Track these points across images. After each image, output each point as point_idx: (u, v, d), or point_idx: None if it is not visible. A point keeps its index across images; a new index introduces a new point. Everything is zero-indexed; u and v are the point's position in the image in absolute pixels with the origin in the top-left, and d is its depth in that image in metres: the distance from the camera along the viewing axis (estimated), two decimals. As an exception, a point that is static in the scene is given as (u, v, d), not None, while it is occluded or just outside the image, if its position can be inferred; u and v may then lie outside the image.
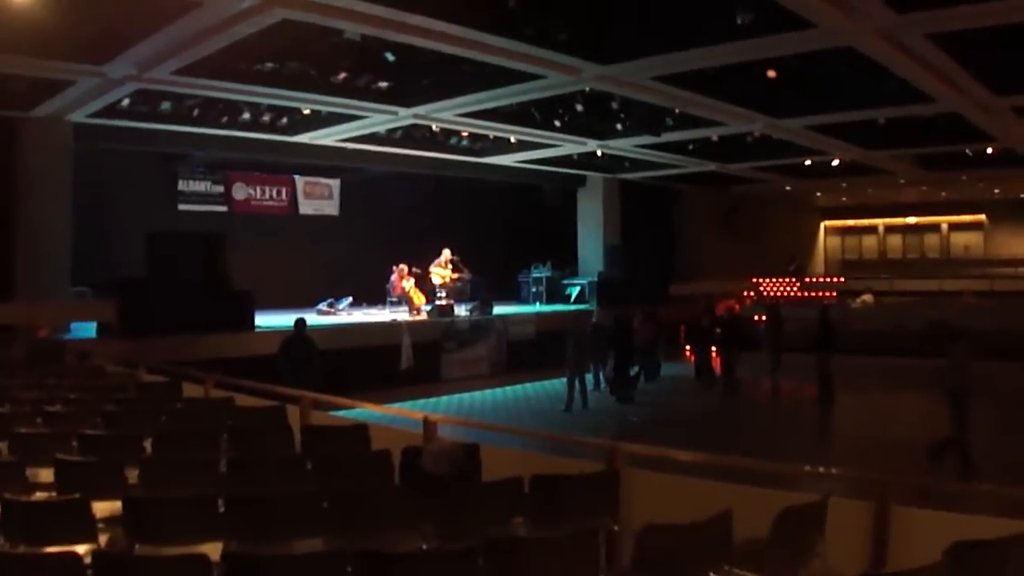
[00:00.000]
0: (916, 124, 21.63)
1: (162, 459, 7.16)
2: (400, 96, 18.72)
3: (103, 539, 5.51)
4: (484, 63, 15.76)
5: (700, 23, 14.01)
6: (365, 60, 15.96)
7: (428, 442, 7.35)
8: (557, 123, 21.80)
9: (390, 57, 15.62)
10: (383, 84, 17.56)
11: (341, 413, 10.41)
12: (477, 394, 21.12)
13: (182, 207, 25.45)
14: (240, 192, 27.13)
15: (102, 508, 5.75)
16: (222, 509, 5.49)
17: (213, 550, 4.56)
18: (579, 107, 20.25)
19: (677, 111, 20.73)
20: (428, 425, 7.72)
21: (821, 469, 6.35)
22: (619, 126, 22.40)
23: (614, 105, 20.35)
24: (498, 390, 21.82)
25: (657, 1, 12.90)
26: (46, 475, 6.79)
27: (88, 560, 4.45)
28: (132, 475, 6.62)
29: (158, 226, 20.63)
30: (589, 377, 20.49)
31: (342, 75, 16.75)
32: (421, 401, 18.70)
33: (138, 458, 7.02)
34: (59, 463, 6.67)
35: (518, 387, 22.16)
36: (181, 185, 25.60)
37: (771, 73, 16.80)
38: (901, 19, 13.30)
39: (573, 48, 15.29)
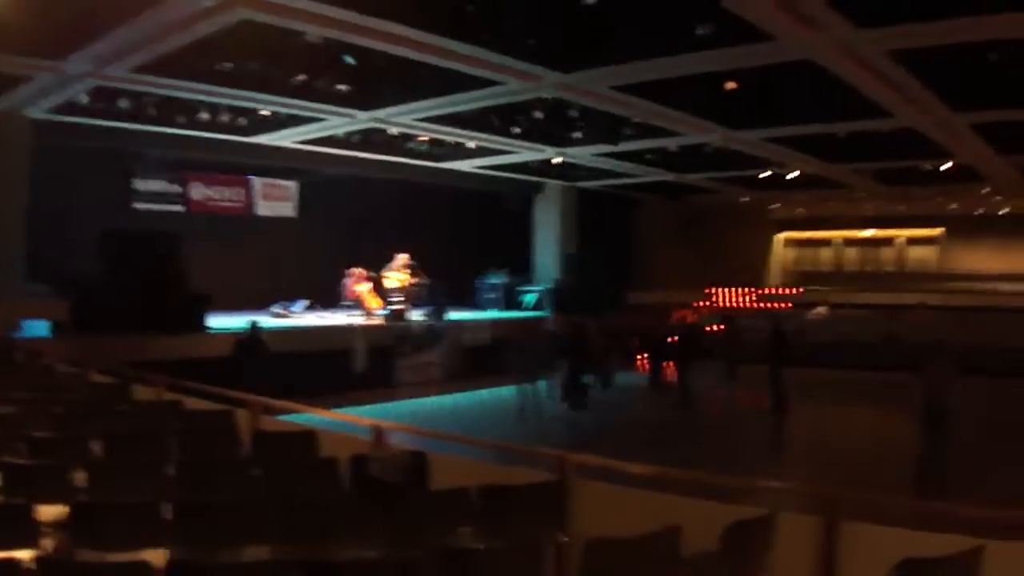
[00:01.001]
0: (875, 138, 21.87)
1: (110, 463, 7.09)
2: (359, 99, 18.73)
3: (48, 544, 5.44)
4: (444, 68, 15.80)
5: (660, 33, 14.13)
6: (325, 63, 15.93)
7: (377, 450, 7.33)
8: (516, 129, 21.87)
9: (350, 60, 15.64)
10: (342, 87, 17.52)
11: (293, 418, 10.36)
12: (430, 400, 21.14)
13: (138, 206, 25.11)
14: (197, 192, 26.86)
15: (48, 512, 5.69)
16: (168, 516, 5.45)
17: (158, 557, 4.53)
18: (538, 114, 20.29)
19: (636, 120, 20.83)
20: (378, 433, 7.70)
21: (773, 483, 6.36)
22: (578, 134, 22.54)
23: (573, 113, 20.44)
24: (452, 396, 21.79)
25: (618, 10, 12.88)
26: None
27: (31, 566, 4.41)
28: (80, 478, 6.56)
29: (114, 225, 20.46)
30: (544, 384, 20.58)
31: (301, 77, 16.69)
32: (374, 406, 18.54)
33: (86, 461, 6.94)
34: (5, 466, 6.58)
35: (472, 393, 22.18)
36: (138, 184, 25.28)
37: (730, 85, 16.98)
38: (861, 34, 13.48)
39: (533, 55, 15.37)
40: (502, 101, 18.89)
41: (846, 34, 13.47)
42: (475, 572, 4.47)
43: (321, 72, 16.62)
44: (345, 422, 9.31)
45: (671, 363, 22.62)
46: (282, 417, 10.05)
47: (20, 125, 18.98)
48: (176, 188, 26.22)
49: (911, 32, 13.28)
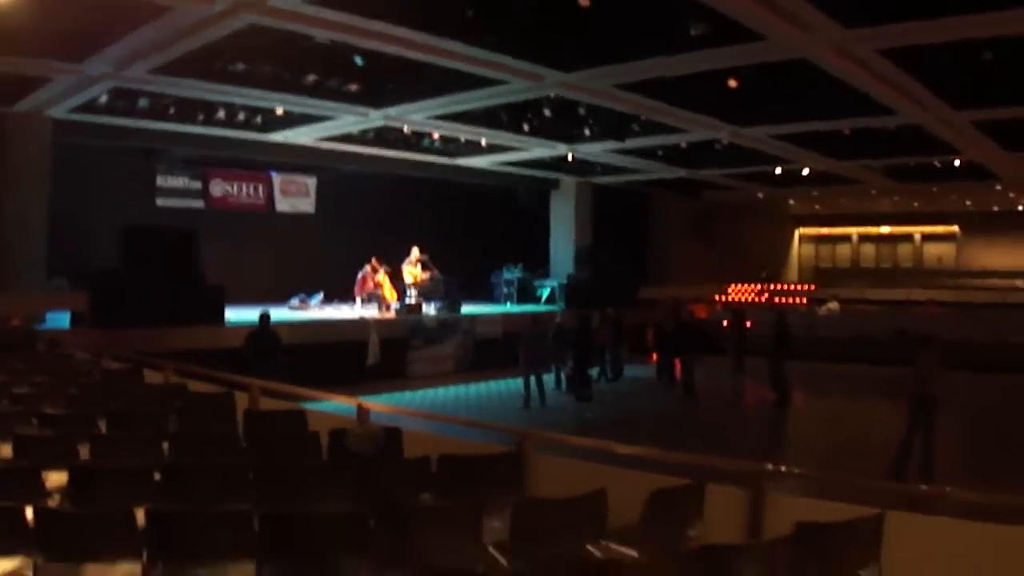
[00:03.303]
0: (882, 135, 22.21)
1: (112, 436, 7.68)
2: (370, 98, 19.27)
3: (51, 503, 6.02)
4: (448, 68, 16.33)
5: (656, 33, 14.55)
6: (335, 63, 16.47)
7: (357, 426, 7.89)
8: (526, 127, 22.38)
9: (359, 61, 16.17)
10: (353, 86, 18.02)
11: (311, 405, 10.80)
12: (442, 390, 21.64)
13: (160, 202, 25.87)
14: (217, 188, 27.57)
15: (53, 478, 6.27)
16: (158, 477, 6.03)
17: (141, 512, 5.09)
18: (547, 112, 20.73)
19: (643, 118, 21.26)
20: (361, 411, 8.27)
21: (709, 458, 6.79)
22: (587, 131, 22.96)
23: (581, 111, 20.89)
24: (463, 387, 22.29)
25: (613, 11, 13.32)
26: (6, 450, 7.28)
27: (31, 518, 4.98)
28: (84, 451, 7.14)
29: (136, 220, 21.12)
30: (551, 376, 21.09)
31: (312, 77, 17.23)
32: (386, 395, 19.03)
33: (91, 435, 7.53)
34: (17, 437, 7.18)
35: (482, 384, 22.66)
36: (159, 181, 26.01)
37: (732, 83, 17.34)
38: (850, 34, 13.85)
39: (533, 55, 15.88)
40: (509, 99, 19.45)
41: (835, 33, 13.85)
42: (413, 527, 4.99)
43: (331, 72, 17.13)
44: (335, 403, 9.87)
45: (678, 356, 22.91)
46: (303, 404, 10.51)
47: (42, 125, 19.71)
48: (197, 184, 26.93)
49: (900, 31, 13.59)
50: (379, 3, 12.99)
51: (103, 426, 8.13)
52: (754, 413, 20.75)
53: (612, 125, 22.05)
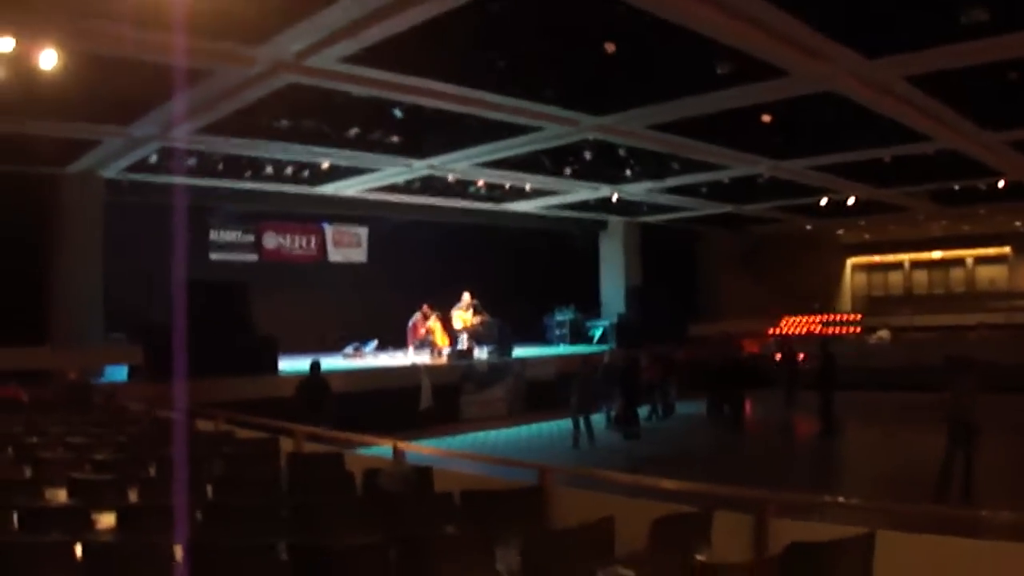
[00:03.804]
0: (921, 161, 22.16)
1: (159, 479, 8.09)
2: (412, 149, 19.79)
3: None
4: (486, 118, 16.81)
5: (682, 74, 14.88)
6: (375, 116, 17.05)
7: (390, 466, 8.25)
8: (568, 170, 22.81)
9: (398, 114, 16.68)
10: (395, 138, 18.56)
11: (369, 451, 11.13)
12: (492, 433, 21.84)
13: (213, 256, 26.48)
14: (271, 241, 28.21)
15: (104, 519, 6.67)
16: (200, 517, 6.42)
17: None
18: (587, 155, 21.07)
19: (682, 156, 21.55)
20: (396, 451, 8.63)
21: (718, 489, 7.01)
22: (628, 171, 23.30)
23: (621, 152, 21.22)
24: (514, 429, 22.50)
25: (639, 55, 13.68)
26: (61, 495, 7.72)
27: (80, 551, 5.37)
28: (133, 494, 7.56)
29: (190, 275, 21.68)
30: (600, 416, 21.31)
31: (354, 131, 17.79)
32: (438, 439, 19.26)
33: (139, 478, 7.95)
34: (71, 480, 7.62)
35: (534, 426, 22.83)
36: (212, 235, 26.65)
37: (766, 118, 17.59)
38: (873, 64, 14.00)
39: (565, 101, 16.28)
40: (548, 144, 19.78)
41: (858, 65, 14.02)
42: (432, 556, 5.32)
43: (372, 125, 17.71)
44: (378, 448, 10.23)
45: (728, 391, 23.00)
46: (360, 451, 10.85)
47: (95, 184, 20.59)
48: (250, 238, 27.56)
49: (923, 58, 13.67)
50: (412, 58, 13.40)
51: (152, 470, 8.55)
52: (802, 444, 20.77)
53: (651, 165, 22.34)
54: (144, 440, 10.36)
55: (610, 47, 13.04)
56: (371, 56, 13.01)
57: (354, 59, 13.18)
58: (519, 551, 5.29)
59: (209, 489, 7.64)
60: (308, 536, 6.02)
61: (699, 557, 5.83)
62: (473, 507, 6.55)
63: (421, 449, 9.57)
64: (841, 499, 7.19)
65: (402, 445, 8.76)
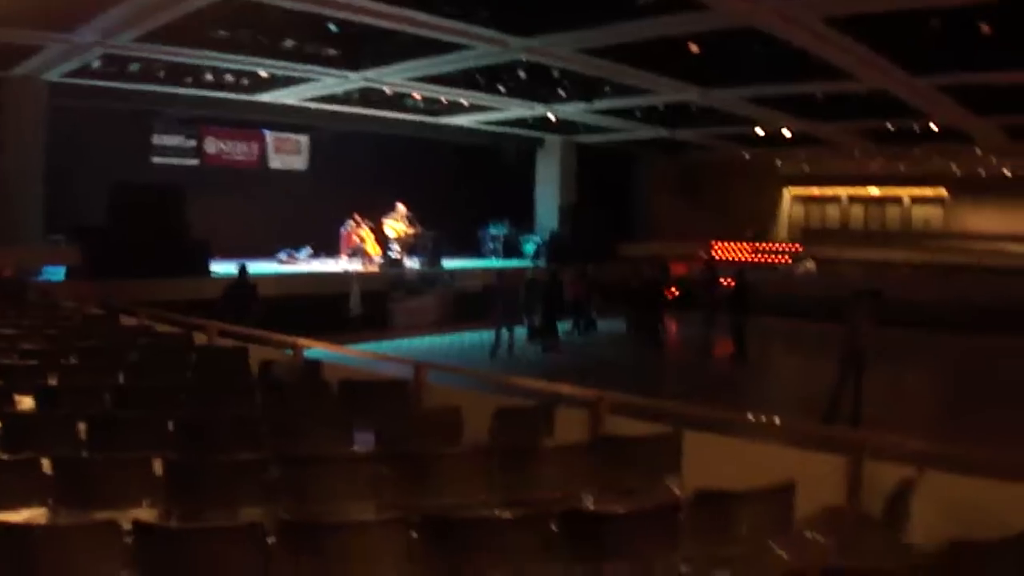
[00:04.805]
0: (852, 99, 22.81)
1: (76, 367, 8.82)
2: (348, 62, 20.28)
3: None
4: (416, 35, 17.31)
5: (606, 3, 15.46)
6: (311, 29, 17.55)
7: (286, 359, 9.06)
8: (502, 88, 23.32)
9: (333, 28, 17.17)
10: (330, 51, 19.05)
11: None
12: (419, 340, 22.65)
13: (155, 160, 26.65)
14: (212, 146, 28.39)
15: (24, 402, 7.39)
16: (108, 398, 7.19)
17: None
18: (522, 74, 21.62)
19: (613, 80, 22.16)
20: (296, 348, 9.44)
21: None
22: (561, 92, 23.85)
23: (555, 73, 21.75)
24: (440, 337, 23.33)
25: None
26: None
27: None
28: (52, 379, 8.28)
29: (130, 178, 22.04)
30: (524, 329, 22.22)
31: (290, 42, 18.25)
32: (368, 344, 19.91)
33: (59, 367, 8.67)
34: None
35: (459, 335, 23.62)
36: (155, 139, 26.78)
37: (693, 47, 18.10)
38: (793, 2, 14.62)
39: (492, 22, 16.80)
40: (480, 63, 20.34)
41: (778, 1, 14.62)
42: (299, 433, 6.15)
43: (308, 37, 18.19)
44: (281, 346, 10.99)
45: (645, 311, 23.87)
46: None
47: (37, 89, 20.82)
48: (192, 143, 27.78)
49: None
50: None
51: (73, 359, 9.26)
52: (711, 364, 21.74)
53: (584, 87, 22.93)
54: (71, 333, 11.04)
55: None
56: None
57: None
58: (373, 431, 6.12)
59: (121, 375, 8.38)
60: (201, 412, 6.80)
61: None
62: (348, 394, 7.37)
63: (320, 346, 10.34)
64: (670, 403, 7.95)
65: (302, 342, 9.54)
